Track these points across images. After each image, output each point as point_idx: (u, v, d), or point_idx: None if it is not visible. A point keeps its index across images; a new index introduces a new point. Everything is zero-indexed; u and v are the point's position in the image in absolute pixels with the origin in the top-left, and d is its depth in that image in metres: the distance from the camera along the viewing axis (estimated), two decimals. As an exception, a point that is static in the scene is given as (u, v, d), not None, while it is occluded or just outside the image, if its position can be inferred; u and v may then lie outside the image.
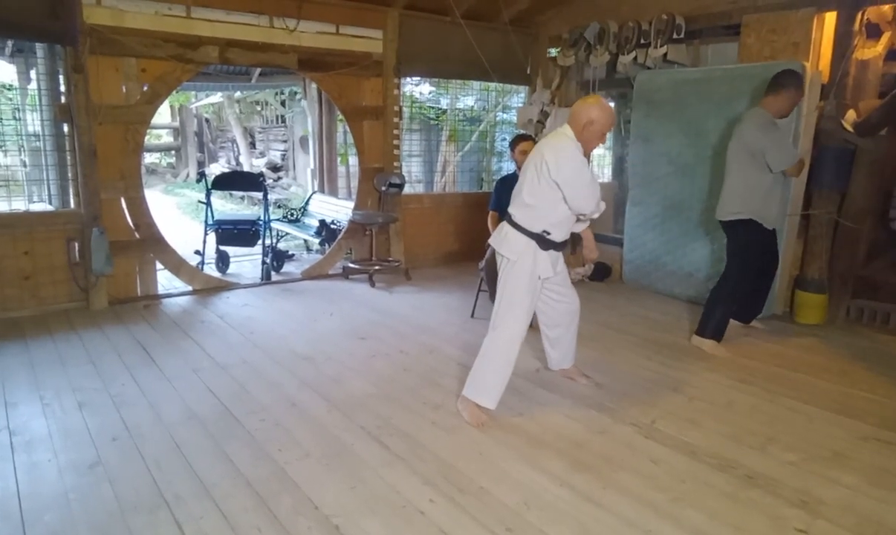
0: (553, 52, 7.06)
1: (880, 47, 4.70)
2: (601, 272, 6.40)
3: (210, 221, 6.61)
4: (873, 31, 4.62)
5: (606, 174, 8.24)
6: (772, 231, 4.37)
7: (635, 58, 5.88)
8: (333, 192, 9.40)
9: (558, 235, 3.22)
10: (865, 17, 4.58)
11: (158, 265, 5.48)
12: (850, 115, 4.67)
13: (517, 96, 9.32)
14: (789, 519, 2.45)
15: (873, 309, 4.91)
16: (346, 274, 6.40)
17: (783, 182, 4.42)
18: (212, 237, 6.60)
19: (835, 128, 4.70)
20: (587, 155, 3.18)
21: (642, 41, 5.80)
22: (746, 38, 5.21)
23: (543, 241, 3.18)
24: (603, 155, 8.40)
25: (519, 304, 3.20)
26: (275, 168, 14.74)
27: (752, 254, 4.27)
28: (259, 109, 16.13)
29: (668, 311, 5.33)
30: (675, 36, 5.57)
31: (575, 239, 3.65)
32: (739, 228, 4.24)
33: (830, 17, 4.81)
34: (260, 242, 6.51)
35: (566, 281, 3.54)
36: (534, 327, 4.60)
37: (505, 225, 3.28)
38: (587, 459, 2.88)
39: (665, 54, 5.64)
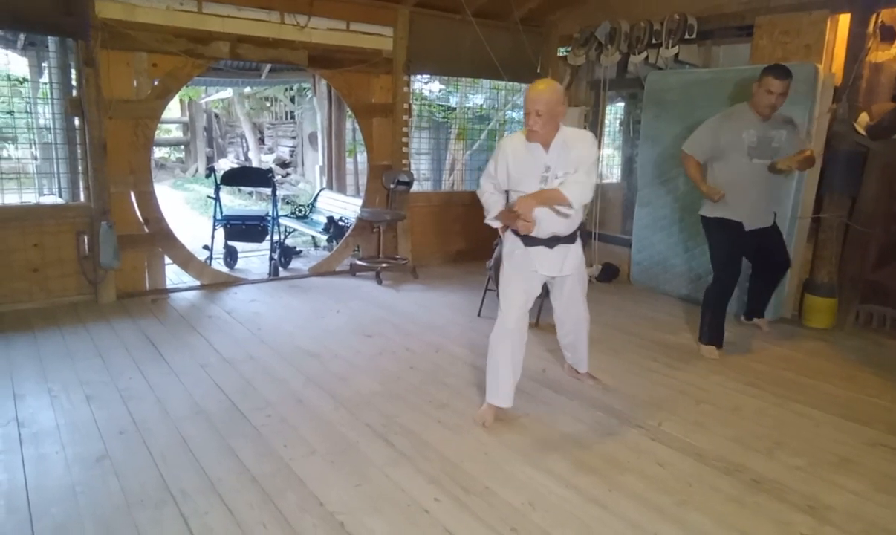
0: (563, 51, 7.04)
1: (894, 50, 4.66)
2: (609, 273, 6.38)
3: (219, 217, 6.63)
4: (887, 34, 4.58)
5: (616, 175, 8.20)
6: (765, 228, 4.22)
7: (646, 58, 5.86)
8: (342, 189, 9.41)
9: (535, 230, 3.10)
10: (879, 20, 4.54)
11: (167, 260, 5.50)
12: (863, 118, 4.63)
13: (526, 95, 9.29)
14: (796, 524, 2.44)
15: (882, 314, 4.87)
16: (353, 271, 6.41)
17: (763, 176, 4.08)
18: (220, 233, 6.62)
19: (847, 131, 4.67)
20: (544, 138, 3.06)
21: (654, 41, 5.77)
22: (759, 39, 5.18)
23: (524, 237, 3.16)
24: (612, 155, 8.36)
25: (504, 296, 3.21)
26: (283, 164, 14.75)
27: (723, 253, 4.19)
28: (268, 105, 16.15)
29: (676, 313, 5.31)
30: (686, 36, 5.54)
31: (583, 239, 3.60)
32: (706, 226, 4.27)
33: (844, 19, 4.78)
34: (268, 238, 6.52)
35: (572, 297, 3.39)
36: (540, 326, 4.60)
37: None
38: (593, 461, 2.87)
39: (677, 55, 5.61)
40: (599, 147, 6.69)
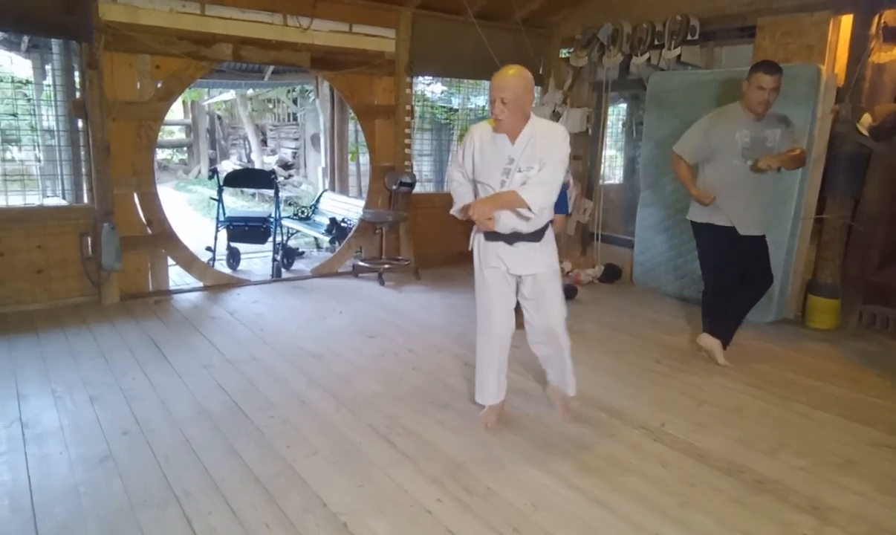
0: (566, 52, 7.04)
1: (897, 51, 4.66)
2: (611, 274, 6.38)
3: (221, 218, 6.64)
4: (890, 35, 4.57)
5: (618, 176, 8.20)
6: (752, 238, 3.96)
7: (649, 59, 5.85)
8: (344, 190, 9.41)
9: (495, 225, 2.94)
10: (882, 21, 4.53)
11: (170, 261, 5.52)
12: (866, 119, 4.62)
13: (529, 97, 9.29)
14: (798, 526, 2.43)
15: (885, 315, 4.86)
16: (355, 272, 6.41)
17: (757, 178, 3.86)
18: (223, 234, 6.64)
19: (849, 132, 4.66)
20: (511, 130, 2.88)
21: (656, 42, 5.76)
22: (761, 40, 5.17)
23: (485, 232, 3.07)
24: (615, 156, 8.37)
25: (479, 298, 3.19)
26: (286, 166, 14.78)
27: (712, 257, 4.10)
28: (271, 106, 16.18)
29: (678, 314, 5.31)
30: (689, 37, 5.54)
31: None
32: (695, 231, 4.16)
33: (847, 21, 4.77)
34: (271, 239, 6.53)
35: (537, 299, 3.11)
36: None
37: None
38: (595, 461, 2.87)
39: (679, 56, 5.61)
40: (602, 148, 6.77)
